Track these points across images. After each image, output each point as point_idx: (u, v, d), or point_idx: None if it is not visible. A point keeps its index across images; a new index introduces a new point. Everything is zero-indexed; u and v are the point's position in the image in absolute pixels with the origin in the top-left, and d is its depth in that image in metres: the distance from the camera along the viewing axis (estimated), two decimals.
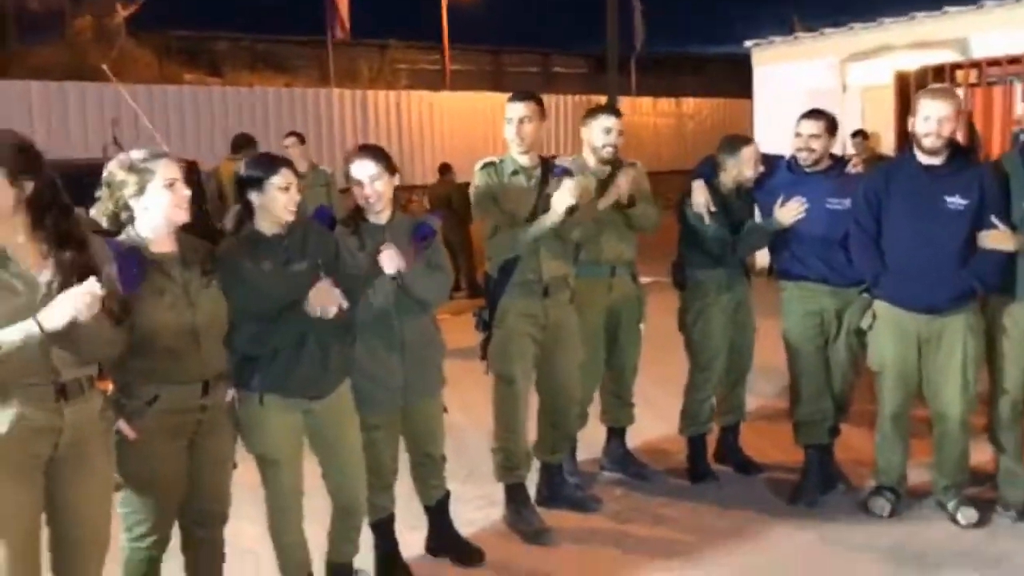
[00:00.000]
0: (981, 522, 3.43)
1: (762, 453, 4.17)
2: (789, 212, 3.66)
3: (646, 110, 23.64)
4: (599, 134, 3.71)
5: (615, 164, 3.77)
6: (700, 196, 3.78)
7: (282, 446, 2.68)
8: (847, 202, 3.59)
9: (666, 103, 24.23)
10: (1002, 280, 3.33)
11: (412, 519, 3.30)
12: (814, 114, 3.72)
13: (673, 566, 3.24)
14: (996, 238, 3.27)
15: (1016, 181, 3.32)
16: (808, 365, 3.74)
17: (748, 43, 10.67)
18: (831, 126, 3.70)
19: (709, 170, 3.87)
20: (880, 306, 3.49)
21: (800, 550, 3.34)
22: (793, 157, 3.77)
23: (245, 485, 2.80)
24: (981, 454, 3.61)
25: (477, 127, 20.00)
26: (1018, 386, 3.40)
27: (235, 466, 2.67)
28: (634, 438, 4.24)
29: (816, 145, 3.67)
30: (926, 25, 8.85)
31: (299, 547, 2.82)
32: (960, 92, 7.13)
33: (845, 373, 3.77)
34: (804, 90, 9.57)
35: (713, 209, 3.75)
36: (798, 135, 3.72)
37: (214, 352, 2.50)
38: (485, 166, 3.47)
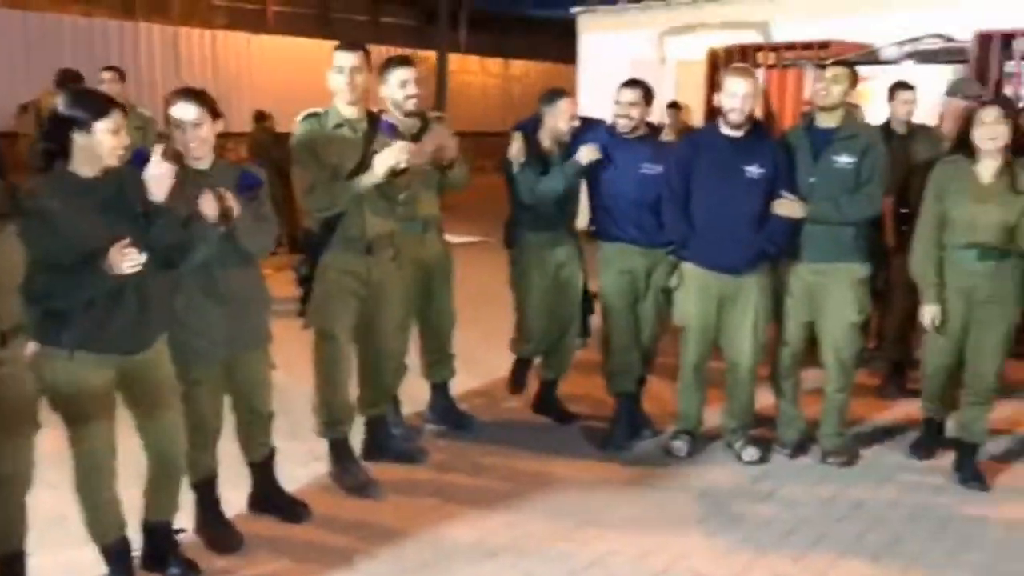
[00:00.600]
0: (762, 459, 3.86)
1: (577, 404, 4.43)
2: (587, 153, 3.83)
3: (474, 69, 23.74)
4: (396, 88, 3.67)
5: (423, 117, 3.80)
6: (513, 145, 3.92)
7: (94, 403, 2.54)
8: (659, 168, 3.84)
9: (495, 63, 24.42)
10: (790, 245, 3.72)
11: (234, 477, 3.24)
12: (632, 83, 3.94)
13: (492, 511, 3.40)
14: (786, 207, 3.65)
15: (801, 155, 3.70)
16: (619, 320, 4.01)
17: (575, 9, 10.98)
18: (648, 96, 3.94)
19: (530, 124, 4.02)
20: (686, 267, 3.80)
21: (607, 490, 3.61)
22: (613, 123, 3.98)
23: (45, 449, 2.62)
24: (764, 399, 4.05)
25: (300, 75, 19.20)
26: (797, 339, 3.84)
27: (39, 427, 2.50)
28: (458, 391, 4.37)
29: (634, 113, 3.89)
30: (735, 7, 9.50)
31: (112, 506, 2.69)
32: (760, 72, 7.76)
33: (652, 328, 4.08)
34: (626, 60, 10.01)
35: (522, 159, 3.89)
36: (617, 103, 3.93)
37: (10, 302, 2.31)
38: (307, 117, 3.38)
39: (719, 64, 8.13)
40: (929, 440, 3.91)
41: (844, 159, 3.63)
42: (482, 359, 4.95)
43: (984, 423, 3.67)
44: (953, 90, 4.60)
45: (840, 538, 3.22)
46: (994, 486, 3.64)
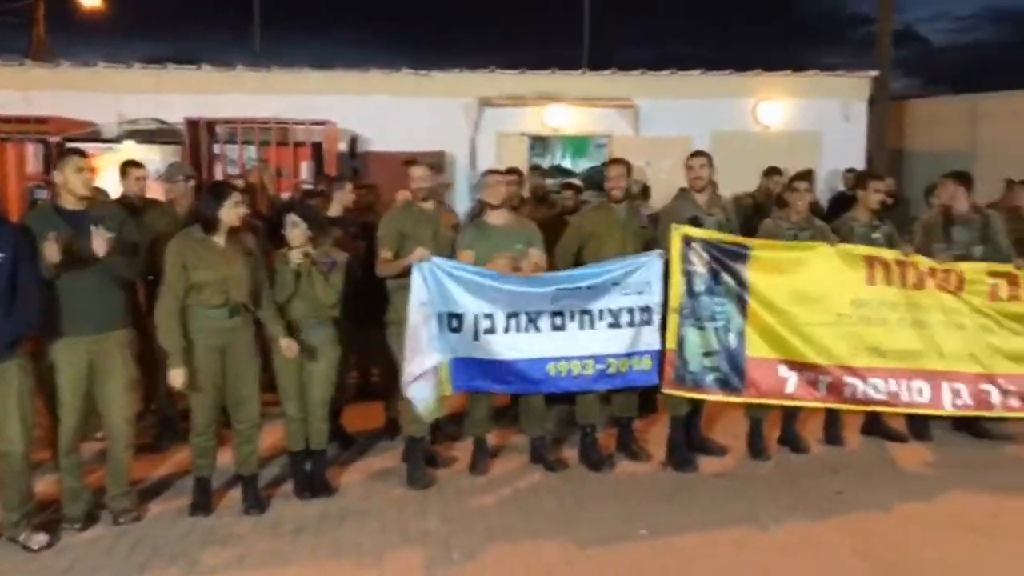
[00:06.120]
0: (51, 543, 3.77)
1: None
2: None
3: None
4: None
5: None
6: None
7: None
8: None
9: None
10: (47, 322, 3.74)
11: None
12: None
13: None
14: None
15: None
16: None
17: None
18: None
19: None
20: None
21: None
22: None
23: None
24: (45, 483, 3.95)
25: None
26: (78, 414, 3.87)
27: None
28: None
29: None
30: None
31: None
32: None
33: None
34: None
35: None
36: None
37: None
38: None
39: None
40: (203, 498, 4.18)
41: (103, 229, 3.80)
42: None
43: (256, 453, 4.26)
44: (167, 175, 5.22)
45: None
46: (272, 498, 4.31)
